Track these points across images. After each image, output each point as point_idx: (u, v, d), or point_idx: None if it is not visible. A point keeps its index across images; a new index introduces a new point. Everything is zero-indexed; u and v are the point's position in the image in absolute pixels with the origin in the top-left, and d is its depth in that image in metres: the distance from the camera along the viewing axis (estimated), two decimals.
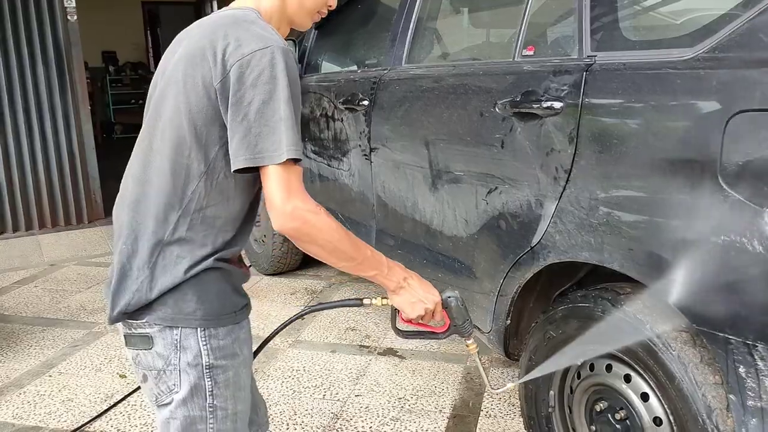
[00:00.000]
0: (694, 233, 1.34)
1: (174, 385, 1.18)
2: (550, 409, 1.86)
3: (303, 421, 2.36)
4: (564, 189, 1.67)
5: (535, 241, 1.78)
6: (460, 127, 2.05)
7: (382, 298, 1.35)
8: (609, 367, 1.68)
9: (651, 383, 1.56)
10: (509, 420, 2.33)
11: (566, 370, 1.83)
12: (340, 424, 2.33)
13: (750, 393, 1.30)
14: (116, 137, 10.34)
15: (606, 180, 1.55)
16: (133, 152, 1.25)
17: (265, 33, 1.14)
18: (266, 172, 1.10)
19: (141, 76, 10.65)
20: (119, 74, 10.72)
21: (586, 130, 1.59)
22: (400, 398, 2.51)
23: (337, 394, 2.56)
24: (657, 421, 1.55)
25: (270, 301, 3.56)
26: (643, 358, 1.53)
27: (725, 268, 1.29)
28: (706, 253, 1.32)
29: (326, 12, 1.35)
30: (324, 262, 1.20)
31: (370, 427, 2.31)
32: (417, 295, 1.30)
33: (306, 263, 4.03)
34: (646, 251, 1.46)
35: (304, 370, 2.76)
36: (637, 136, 1.48)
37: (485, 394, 2.52)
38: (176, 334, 1.16)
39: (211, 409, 1.20)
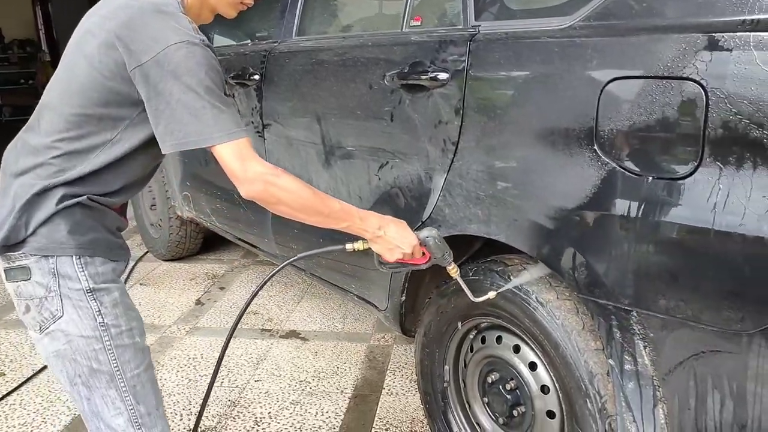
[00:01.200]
0: (573, 202, 1.34)
1: (57, 310, 1.22)
2: (445, 384, 1.86)
3: (198, 411, 2.26)
4: (452, 162, 1.64)
5: (426, 215, 1.76)
6: (351, 101, 1.99)
7: (364, 241, 1.41)
8: (499, 339, 1.68)
9: (538, 352, 1.57)
10: (411, 396, 2.32)
11: (460, 345, 1.83)
12: (238, 411, 2.26)
13: (627, 357, 1.32)
14: (4, 120, 9.64)
15: (491, 151, 1.54)
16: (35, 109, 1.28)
17: (180, 27, 1.17)
18: (214, 151, 1.17)
19: (30, 54, 9.96)
20: (5, 52, 9.98)
21: (472, 101, 1.57)
22: (301, 381, 2.45)
23: (235, 380, 2.47)
24: (544, 389, 1.57)
25: (168, 288, 3.41)
26: (530, 328, 1.54)
27: (602, 236, 1.31)
28: (585, 222, 1.33)
29: (251, 2, 1.40)
30: (295, 219, 1.28)
31: (269, 413, 2.25)
32: (394, 241, 1.38)
33: (207, 247, 3.88)
34: (529, 221, 1.45)
35: (202, 358, 2.65)
36: (519, 106, 1.47)
37: (387, 372, 2.50)
38: (52, 263, 1.20)
39: (103, 328, 1.24)
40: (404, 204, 1.85)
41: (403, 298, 1.98)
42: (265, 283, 1.48)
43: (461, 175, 1.62)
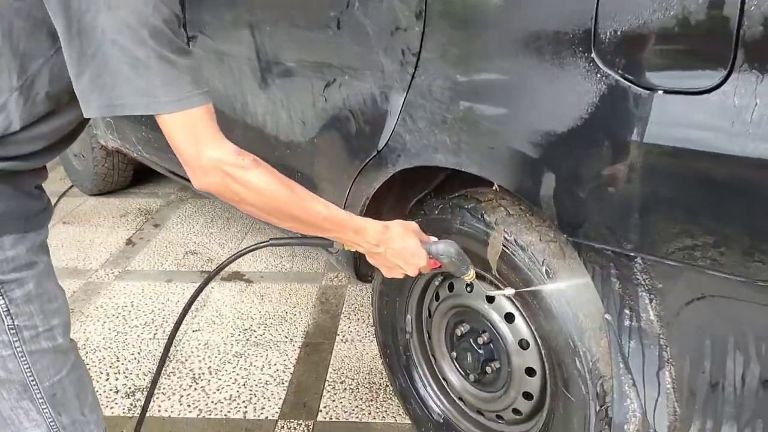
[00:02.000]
0: (564, 125, 1.09)
1: None
2: (407, 336, 1.64)
3: (127, 369, 2.01)
4: (412, 77, 1.35)
5: (382, 143, 1.48)
6: (289, 6, 1.65)
7: None
8: (470, 287, 1.45)
9: (516, 303, 1.35)
10: (368, 344, 2.11)
11: (423, 292, 1.59)
12: (173, 368, 2.00)
13: (627, 312, 1.10)
14: None
15: (461, 64, 1.25)
16: None
17: None
18: (159, 120, 0.86)
19: None
20: None
21: (436, 1, 1.27)
22: (245, 330, 2.20)
23: (169, 331, 2.20)
24: (523, 344, 1.36)
25: (95, 226, 3.07)
26: (507, 274, 1.30)
27: (601, 167, 1.06)
28: (579, 150, 1.08)
29: None
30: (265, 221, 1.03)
31: (209, 367, 2.00)
32: (396, 261, 1.13)
33: (139, 179, 3.52)
34: (509, 149, 1.19)
35: (132, 307, 2.37)
36: (499, 7, 1.18)
37: (341, 316, 2.28)
38: None
39: (13, 331, 0.98)
40: (356, 130, 1.56)
41: None
42: (219, 270, 1.23)
43: (424, 94, 1.34)
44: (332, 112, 1.62)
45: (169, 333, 2.13)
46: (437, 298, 1.55)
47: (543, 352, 1.31)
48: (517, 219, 1.32)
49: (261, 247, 1.17)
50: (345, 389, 1.89)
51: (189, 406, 1.84)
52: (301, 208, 0.99)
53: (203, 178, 0.89)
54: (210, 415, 1.80)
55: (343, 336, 2.16)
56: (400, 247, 1.11)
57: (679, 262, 1.01)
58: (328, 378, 1.94)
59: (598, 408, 1.21)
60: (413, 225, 1.16)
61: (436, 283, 1.56)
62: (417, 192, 1.74)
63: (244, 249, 1.19)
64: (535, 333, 1.31)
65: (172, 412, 1.82)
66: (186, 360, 2.04)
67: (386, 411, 1.79)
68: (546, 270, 1.24)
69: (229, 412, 1.81)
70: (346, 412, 1.80)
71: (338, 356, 2.05)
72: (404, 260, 1.12)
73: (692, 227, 0.99)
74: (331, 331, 2.18)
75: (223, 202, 2.12)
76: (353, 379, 1.93)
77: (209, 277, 1.22)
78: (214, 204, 3.25)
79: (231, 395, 1.87)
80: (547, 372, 1.31)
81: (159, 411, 1.82)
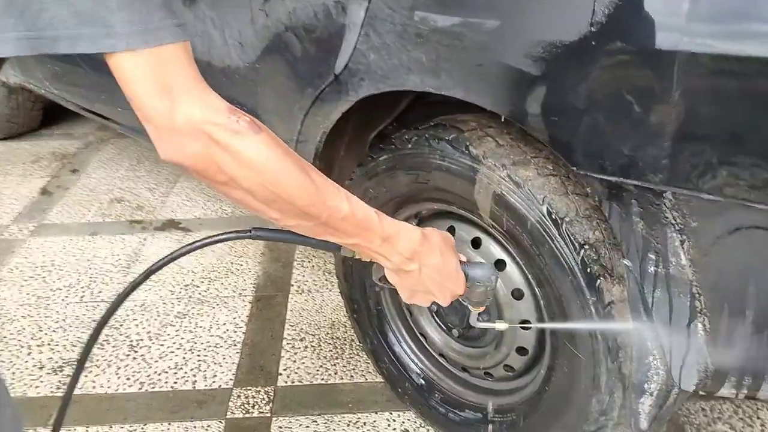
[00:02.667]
0: (573, 31, 0.88)
1: None
2: (378, 288, 1.44)
3: (52, 339, 1.75)
4: None
5: (339, 65, 1.23)
6: None
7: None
8: (451, 231, 1.26)
9: (509, 248, 1.16)
10: (326, 293, 1.91)
11: None
12: (107, 335, 1.76)
13: (652, 256, 0.93)
14: None
15: None
16: None
17: None
18: (112, 61, 0.61)
19: None
20: None
21: None
22: (187, 286, 1.96)
23: (100, 293, 1.94)
24: (516, 294, 1.19)
25: (3, 175, 2.70)
26: (500, 217, 1.11)
27: (620, 80, 0.86)
28: (592, 61, 0.88)
29: None
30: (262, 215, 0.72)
31: (148, 332, 1.77)
32: (430, 285, 0.87)
33: (51, 119, 3.12)
34: (502, 67, 0.98)
35: (53, 266, 2.08)
36: None
37: (294, 264, 2.06)
38: None
39: None
40: (306, 51, 1.30)
41: None
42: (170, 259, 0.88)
43: (391, 2, 1.09)
44: (275, 30, 1.35)
45: (98, 295, 1.88)
46: None
47: (543, 303, 1.14)
48: (508, 150, 1.11)
49: (238, 238, 0.88)
50: (306, 347, 1.70)
51: (129, 379, 1.61)
52: (316, 202, 0.72)
53: (176, 146, 0.64)
54: (154, 387, 1.58)
55: (299, 286, 1.95)
56: (439, 264, 0.86)
57: (719, 196, 0.84)
58: (285, 336, 1.74)
59: (610, 364, 1.05)
60: (451, 238, 0.92)
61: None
62: (377, 123, 1.51)
63: (206, 239, 0.87)
64: (533, 281, 1.14)
65: (109, 387, 1.59)
66: (120, 325, 1.80)
67: (354, 369, 1.62)
68: (548, 210, 1.05)
69: (175, 382, 1.59)
70: (309, 373, 1.61)
71: (295, 310, 1.84)
72: (439, 284, 0.87)
73: (740, 153, 0.81)
74: (284, 282, 1.97)
75: (150, 147, 1.84)
76: (314, 335, 1.74)
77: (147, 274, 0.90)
78: (140, 143, 2.92)
79: (176, 363, 1.65)
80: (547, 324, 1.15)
81: (94, 387, 1.59)
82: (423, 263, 0.85)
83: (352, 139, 1.52)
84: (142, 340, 1.74)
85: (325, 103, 1.31)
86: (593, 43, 0.86)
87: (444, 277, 0.87)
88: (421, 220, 1.34)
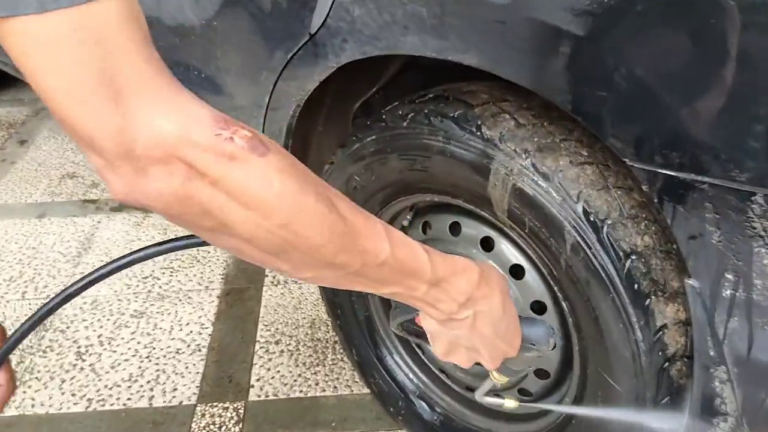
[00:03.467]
0: None
1: None
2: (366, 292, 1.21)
3: None
4: None
5: (315, 23, 0.98)
6: None
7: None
8: (455, 228, 1.03)
9: (528, 251, 0.94)
10: (305, 285, 1.68)
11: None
12: (51, 340, 1.52)
13: (730, 276, 0.71)
14: None
15: None
16: None
17: None
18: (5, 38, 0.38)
19: None
20: None
21: None
22: (146, 278, 1.72)
23: (45, 287, 1.69)
24: (536, 307, 0.97)
25: None
26: (521, 217, 0.88)
27: (695, 43, 0.63)
28: (654, 16, 0.64)
29: None
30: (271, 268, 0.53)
31: (99, 336, 1.53)
32: (480, 344, 0.67)
33: None
34: (531, 24, 0.73)
35: None
36: None
37: None
38: None
39: None
40: (273, 5, 1.04)
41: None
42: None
43: None
44: None
45: (43, 290, 1.62)
46: None
47: (570, 320, 0.92)
48: (531, 131, 0.88)
49: (187, 247, 0.62)
50: (282, 351, 1.48)
51: (74, 395, 1.38)
52: (348, 248, 0.51)
53: (136, 181, 0.42)
54: (104, 406, 1.35)
55: (274, 277, 1.72)
56: (499, 314, 0.65)
57: None
58: (258, 338, 1.52)
59: (659, 399, 0.84)
60: (507, 281, 0.70)
61: (405, 222, 1.12)
62: (360, 91, 1.27)
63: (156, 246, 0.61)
64: (558, 294, 0.92)
65: (51, 405, 1.35)
66: (67, 328, 1.56)
67: (338, 379, 1.40)
68: (584, 209, 0.82)
69: (129, 399, 1.36)
70: (285, 384, 1.39)
71: (269, 306, 1.62)
72: (492, 342, 0.66)
73: None
74: (258, 272, 1.73)
75: None
76: (291, 337, 1.52)
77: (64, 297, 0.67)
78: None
79: (131, 374, 1.42)
80: (577, 349, 0.93)
81: (33, 405, 1.36)
82: (478, 311, 0.64)
83: (331, 111, 1.27)
84: (92, 345, 1.50)
85: (300, 69, 1.06)
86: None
87: (500, 333, 0.66)
88: (417, 214, 1.11)
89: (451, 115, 0.92)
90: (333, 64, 0.99)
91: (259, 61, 1.12)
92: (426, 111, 0.95)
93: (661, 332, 0.81)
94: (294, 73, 1.06)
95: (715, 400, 0.78)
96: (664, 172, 0.70)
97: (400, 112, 0.99)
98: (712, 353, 0.75)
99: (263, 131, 1.21)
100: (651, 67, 0.66)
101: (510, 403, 0.87)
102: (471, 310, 0.63)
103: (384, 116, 1.03)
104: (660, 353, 0.83)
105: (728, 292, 0.72)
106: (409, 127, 0.98)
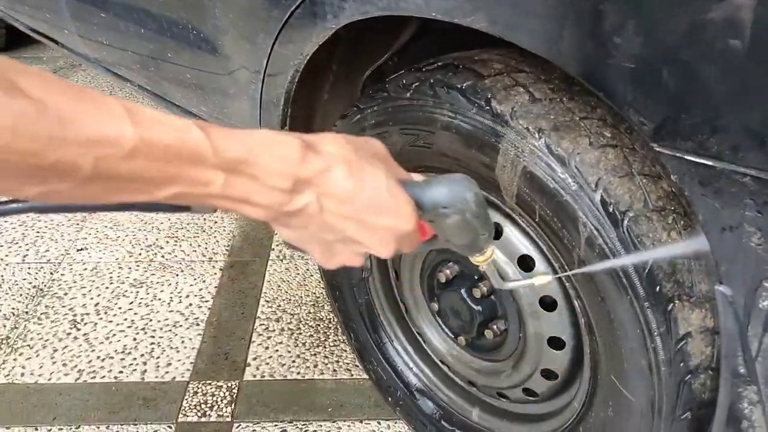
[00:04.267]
0: None
1: None
2: (365, 274, 1.13)
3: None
4: None
5: None
6: None
7: None
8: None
9: (539, 242, 0.84)
10: (312, 262, 1.61)
11: None
12: (46, 306, 1.47)
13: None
14: None
15: None
16: None
17: None
18: None
19: None
20: None
21: None
22: (150, 246, 1.66)
23: (47, 250, 1.65)
24: (546, 303, 0.87)
25: None
26: (530, 204, 0.79)
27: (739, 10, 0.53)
28: None
29: None
30: None
31: (95, 305, 1.48)
32: (341, 229, 0.51)
33: (17, 41, 2.78)
34: None
35: None
36: None
37: None
38: None
39: None
40: None
41: (287, 127, 1.17)
42: None
43: None
44: None
45: (41, 255, 1.56)
46: None
47: (582, 320, 0.83)
48: (548, 107, 0.78)
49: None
50: (282, 330, 1.41)
51: (65, 365, 1.33)
52: (71, 139, 0.38)
53: None
54: (94, 378, 1.30)
55: (280, 251, 1.65)
56: (353, 187, 0.50)
57: None
58: (258, 314, 1.45)
59: (678, 414, 0.75)
60: (377, 144, 0.57)
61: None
62: (371, 58, 1.17)
63: None
64: (570, 291, 0.82)
65: (40, 375, 1.31)
66: (65, 294, 1.51)
67: (338, 361, 1.33)
68: (602, 198, 0.72)
69: (121, 371, 1.32)
70: (283, 365, 1.33)
71: (273, 281, 1.55)
72: (362, 222, 0.51)
73: None
74: (264, 246, 1.66)
75: (126, 67, 1.50)
76: (293, 315, 1.45)
77: None
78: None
79: (125, 346, 1.37)
80: (587, 347, 0.84)
81: (23, 374, 1.31)
82: (320, 192, 0.49)
83: (338, 79, 1.17)
84: (88, 314, 1.45)
85: (298, 30, 0.96)
86: None
87: (367, 208, 0.51)
88: None
89: (459, 86, 0.82)
90: (332, 25, 0.89)
91: (254, 22, 1.03)
92: (432, 81, 0.86)
93: (684, 341, 0.72)
94: (291, 34, 0.97)
95: (742, 423, 0.68)
96: (699, 160, 0.60)
97: (404, 81, 0.90)
98: (742, 370, 0.65)
99: (261, 99, 1.12)
100: (688, 33, 0.55)
101: (540, 280, 0.74)
102: (309, 193, 0.49)
103: (387, 85, 0.93)
104: (681, 364, 0.73)
105: (766, 303, 0.62)
106: (412, 98, 0.88)
